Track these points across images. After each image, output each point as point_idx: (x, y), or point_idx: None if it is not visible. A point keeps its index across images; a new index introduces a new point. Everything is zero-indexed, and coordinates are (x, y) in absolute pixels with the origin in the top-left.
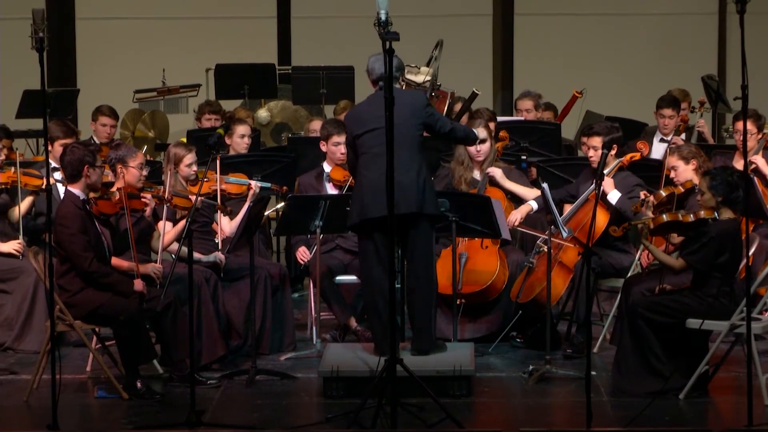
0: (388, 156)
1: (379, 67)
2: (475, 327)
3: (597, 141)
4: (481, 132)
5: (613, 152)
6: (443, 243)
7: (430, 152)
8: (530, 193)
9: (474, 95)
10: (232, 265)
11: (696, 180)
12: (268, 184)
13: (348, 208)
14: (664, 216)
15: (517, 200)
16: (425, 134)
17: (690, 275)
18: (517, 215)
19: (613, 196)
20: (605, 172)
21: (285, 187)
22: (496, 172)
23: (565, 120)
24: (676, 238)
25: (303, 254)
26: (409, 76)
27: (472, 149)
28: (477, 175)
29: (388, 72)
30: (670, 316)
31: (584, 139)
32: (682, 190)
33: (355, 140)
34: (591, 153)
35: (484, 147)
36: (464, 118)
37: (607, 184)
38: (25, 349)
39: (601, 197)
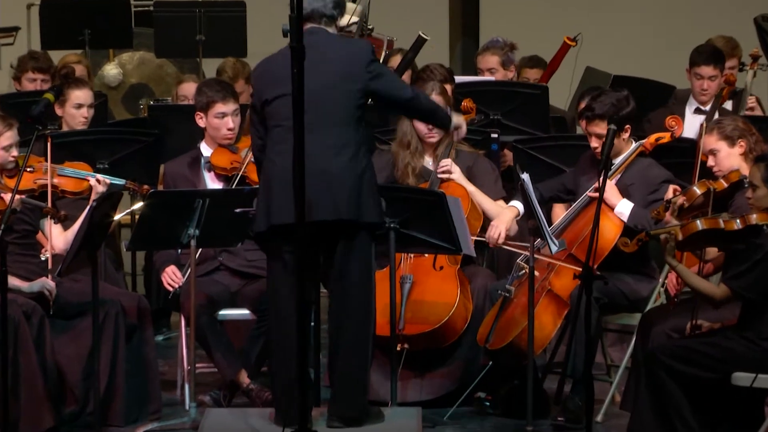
0: (295, 134)
1: (309, 2)
2: (425, 384)
3: (602, 127)
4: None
5: (625, 134)
6: (377, 262)
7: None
8: (497, 210)
9: (420, 42)
10: (67, 295)
11: (745, 170)
12: (122, 181)
13: (238, 210)
14: (698, 222)
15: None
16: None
17: (736, 308)
18: (500, 227)
19: (623, 208)
20: (617, 161)
21: (146, 186)
22: (454, 171)
23: (556, 81)
24: (715, 255)
25: (172, 276)
26: None
27: (422, 127)
28: (429, 163)
29: (296, 11)
30: (708, 367)
31: (583, 123)
32: (725, 184)
33: (264, 108)
34: (595, 143)
35: None
36: (405, 78)
37: (611, 192)
38: None
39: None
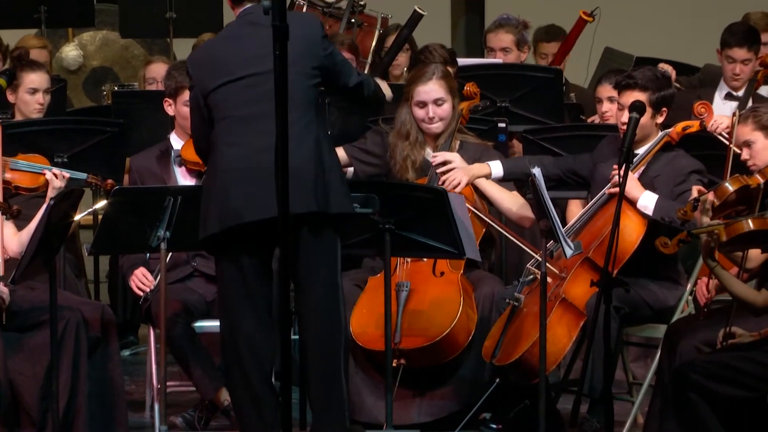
0: (278, 122)
1: None
2: (424, 405)
3: (637, 97)
4: (430, 87)
5: (660, 118)
6: (371, 267)
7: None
8: (510, 200)
9: (416, 18)
10: (22, 304)
11: None
12: (82, 174)
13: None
14: (745, 222)
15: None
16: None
17: None
18: (461, 176)
19: (647, 200)
20: (641, 152)
21: (110, 180)
22: (453, 160)
23: (571, 62)
24: (758, 258)
25: (142, 279)
26: None
27: (421, 113)
28: (431, 155)
29: None
30: (744, 386)
31: (608, 94)
32: (761, 180)
33: (207, 98)
34: (625, 117)
35: (441, 110)
36: (401, 57)
37: (632, 185)
38: None
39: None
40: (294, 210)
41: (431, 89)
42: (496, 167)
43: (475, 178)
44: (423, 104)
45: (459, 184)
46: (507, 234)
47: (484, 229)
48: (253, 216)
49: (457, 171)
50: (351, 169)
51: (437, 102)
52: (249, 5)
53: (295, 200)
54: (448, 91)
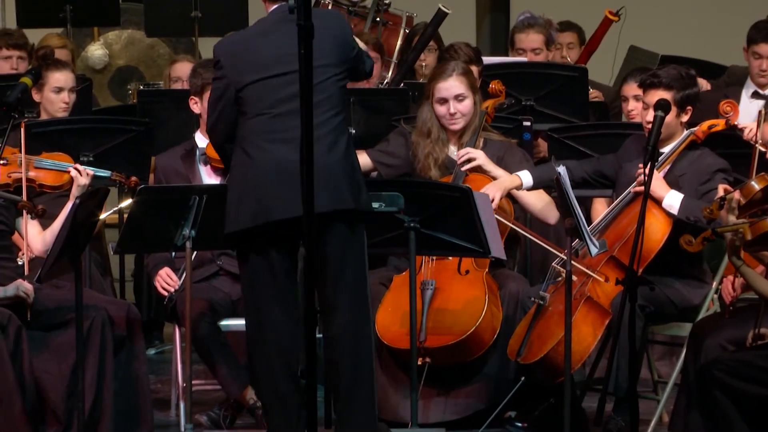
0: (303, 122)
1: None
2: (449, 403)
3: (661, 96)
4: (450, 83)
5: (685, 117)
6: (395, 266)
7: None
8: (534, 198)
9: (441, 17)
10: (47, 302)
11: None
12: (107, 172)
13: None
14: None
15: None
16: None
17: None
18: (494, 192)
19: (672, 200)
20: (667, 150)
21: (134, 177)
22: (477, 157)
23: (596, 62)
24: None
25: (167, 279)
26: None
27: (442, 110)
28: (455, 152)
29: None
30: None
31: (634, 92)
32: None
33: (241, 92)
34: (650, 116)
35: (462, 106)
36: (429, 57)
37: (657, 184)
38: None
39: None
40: (330, 207)
41: (452, 85)
42: (526, 177)
43: (507, 191)
44: (444, 101)
45: (492, 200)
46: (532, 237)
47: (509, 229)
48: (287, 213)
49: (489, 187)
50: (374, 174)
51: (458, 98)
52: (283, 2)
53: (330, 197)
54: (468, 87)
